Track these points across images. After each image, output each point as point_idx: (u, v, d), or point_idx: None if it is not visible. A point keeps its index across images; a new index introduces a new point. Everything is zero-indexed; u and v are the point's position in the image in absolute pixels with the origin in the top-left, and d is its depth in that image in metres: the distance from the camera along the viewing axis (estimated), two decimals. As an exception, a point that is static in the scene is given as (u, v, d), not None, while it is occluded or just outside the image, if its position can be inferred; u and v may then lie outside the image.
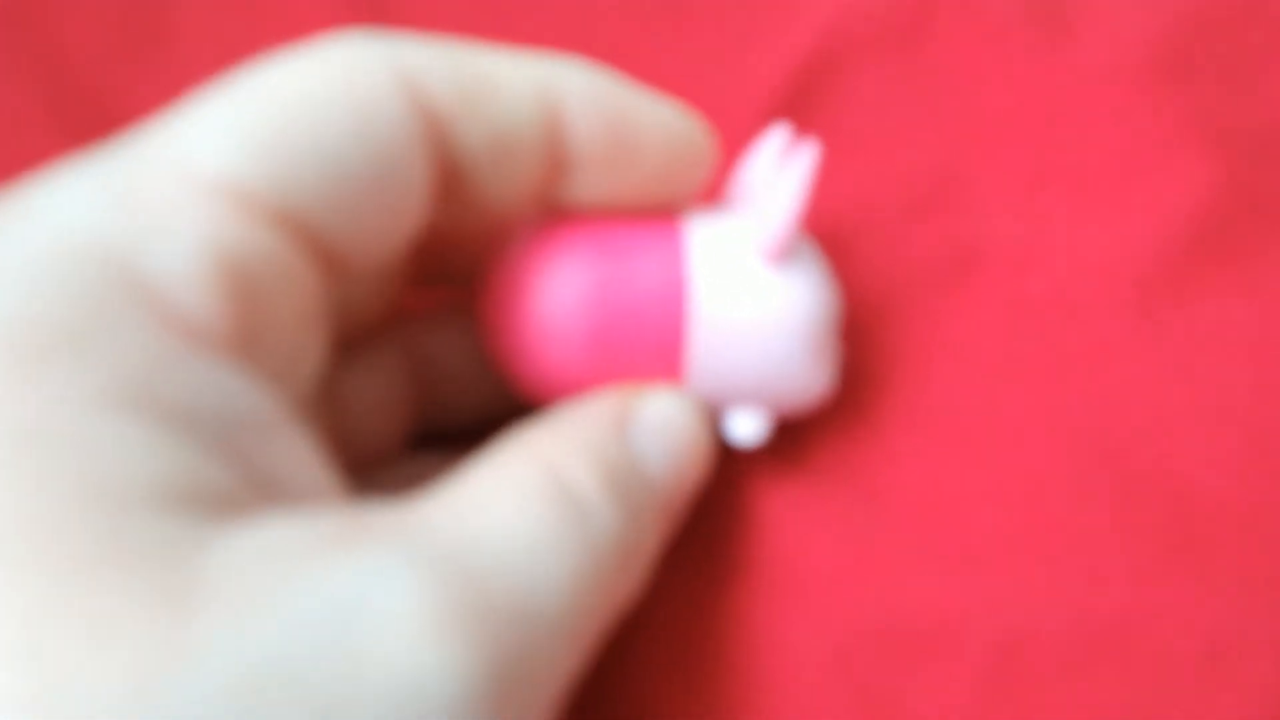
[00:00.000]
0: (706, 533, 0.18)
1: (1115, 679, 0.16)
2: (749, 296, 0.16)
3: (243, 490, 0.12)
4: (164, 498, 0.11)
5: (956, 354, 0.19)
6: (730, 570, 0.17)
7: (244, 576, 0.11)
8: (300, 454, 0.13)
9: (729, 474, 0.18)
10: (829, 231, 0.20)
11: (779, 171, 0.16)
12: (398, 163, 0.14)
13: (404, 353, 0.18)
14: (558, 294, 0.15)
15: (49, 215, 0.12)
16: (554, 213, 0.16)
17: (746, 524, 0.18)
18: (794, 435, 0.18)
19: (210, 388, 0.12)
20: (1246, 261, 0.19)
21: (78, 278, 0.11)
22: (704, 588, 0.17)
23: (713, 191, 0.19)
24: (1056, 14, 0.22)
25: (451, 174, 0.15)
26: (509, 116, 0.14)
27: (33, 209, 0.12)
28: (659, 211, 0.16)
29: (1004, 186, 0.20)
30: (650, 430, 0.16)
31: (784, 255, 0.16)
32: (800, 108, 0.22)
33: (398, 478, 0.16)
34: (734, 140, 0.20)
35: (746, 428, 0.17)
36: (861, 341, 0.19)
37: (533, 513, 0.13)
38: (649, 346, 0.16)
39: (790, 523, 0.18)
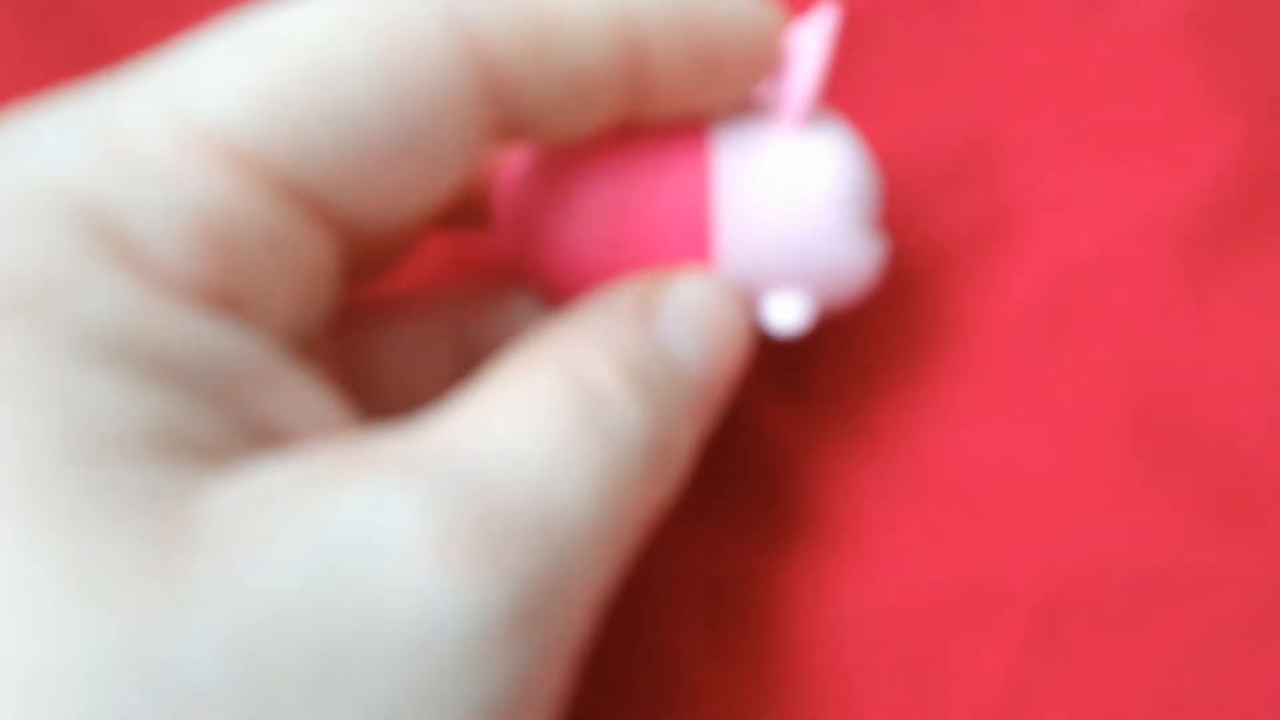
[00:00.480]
0: (750, 494, 0.17)
1: (1162, 639, 0.16)
2: (779, 165, 0.15)
3: (235, 438, 0.11)
4: (149, 445, 0.10)
5: (1000, 315, 0.19)
6: (776, 532, 0.17)
7: (238, 521, 0.10)
8: (302, 400, 0.12)
9: (773, 435, 0.18)
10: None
11: (798, 35, 0.15)
12: (444, 128, 0.12)
13: (450, 325, 0.16)
14: (575, 182, 0.14)
15: (29, 159, 0.11)
16: None
17: (791, 486, 0.17)
18: (840, 398, 0.18)
19: (192, 337, 0.11)
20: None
21: (53, 226, 0.11)
22: (748, 549, 0.17)
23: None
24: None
25: (515, 123, 0.13)
26: (582, 59, 0.13)
27: (12, 149, 0.11)
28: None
29: (1041, 148, 0.20)
30: (679, 316, 0.14)
31: (811, 121, 0.15)
32: (836, 70, 0.21)
33: (393, 361, 0.16)
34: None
35: (788, 313, 0.15)
36: (904, 303, 0.19)
37: (549, 417, 0.12)
38: (675, 229, 0.15)
39: (837, 485, 0.17)
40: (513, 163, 0.15)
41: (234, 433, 0.11)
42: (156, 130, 0.11)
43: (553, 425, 0.12)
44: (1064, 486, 0.17)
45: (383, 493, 0.10)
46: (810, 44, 0.15)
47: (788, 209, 0.15)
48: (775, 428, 0.18)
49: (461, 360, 0.17)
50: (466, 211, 0.17)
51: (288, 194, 0.12)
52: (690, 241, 0.15)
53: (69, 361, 0.10)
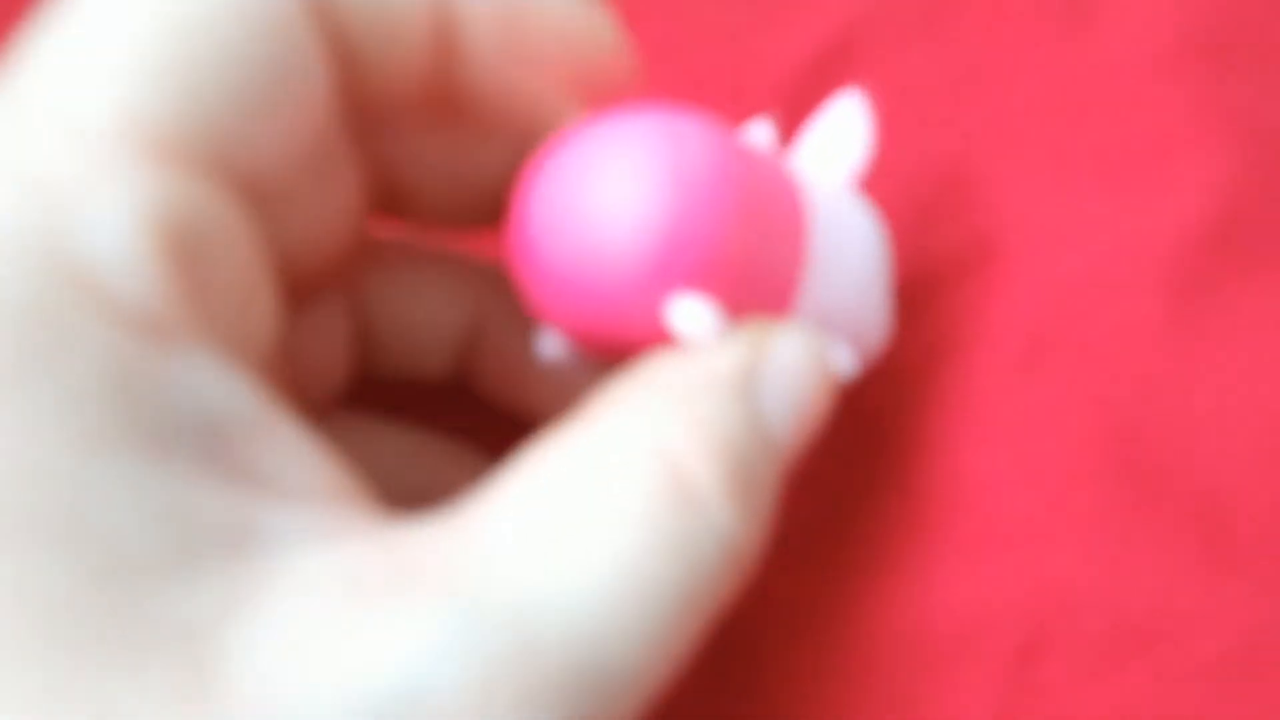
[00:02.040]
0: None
1: (1140, 681, 0.16)
2: (847, 225, 0.15)
3: (247, 515, 0.10)
4: (164, 551, 0.09)
5: (982, 343, 0.18)
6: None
7: (275, 652, 0.09)
8: (293, 450, 0.11)
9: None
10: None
11: (835, 112, 0.16)
12: (298, 59, 0.12)
13: (343, 298, 0.16)
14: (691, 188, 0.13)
15: None
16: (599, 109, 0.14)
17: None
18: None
19: (182, 391, 0.10)
20: (1273, 253, 0.19)
21: (14, 285, 0.10)
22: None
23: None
24: (1081, 1, 0.22)
25: (344, 57, 0.13)
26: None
27: None
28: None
29: (1027, 175, 0.20)
30: (779, 387, 0.13)
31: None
32: (819, 94, 0.21)
33: (341, 439, 0.15)
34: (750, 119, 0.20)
35: (842, 362, 0.15)
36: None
37: (631, 539, 0.11)
38: (775, 268, 0.14)
39: (817, 514, 0.17)
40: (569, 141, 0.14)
41: (238, 502, 0.10)
42: (67, 149, 0.10)
43: (635, 542, 0.11)
44: (1045, 522, 0.17)
45: (426, 632, 0.10)
46: (856, 116, 0.15)
47: (854, 268, 0.15)
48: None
49: (360, 328, 0.16)
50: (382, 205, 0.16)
51: (198, 158, 0.11)
52: (779, 286, 0.14)
53: (72, 453, 0.09)
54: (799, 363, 0.13)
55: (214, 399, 0.10)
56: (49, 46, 0.11)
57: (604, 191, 0.13)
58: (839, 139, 0.16)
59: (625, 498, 0.11)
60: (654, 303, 0.13)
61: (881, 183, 0.20)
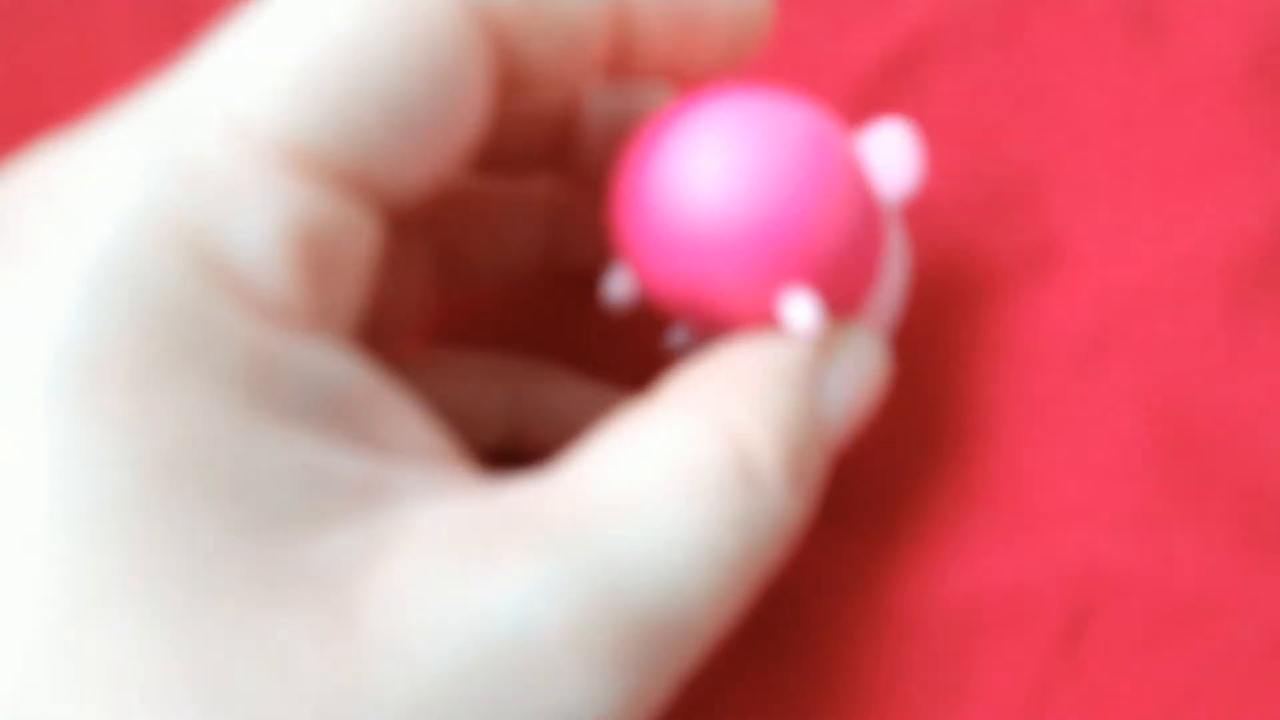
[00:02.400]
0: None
1: (1180, 661, 0.17)
2: (897, 228, 0.16)
3: (371, 473, 0.11)
4: (307, 507, 0.11)
5: (1044, 341, 0.19)
6: (805, 533, 0.18)
7: (404, 597, 0.11)
8: (404, 416, 0.12)
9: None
10: (924, 223, 0.20)
11: (881, 134, 0.16)
12: (463, 88, 0.12)
13: (424, 235, 0.17)
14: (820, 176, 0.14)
15: (111, 191, 0.11)
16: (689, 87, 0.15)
17: (826, 489, 0.18)
18: (883, 410, 0.18)
19: (309, 367, 0.11)
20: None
21: (176, 267, 0.11)
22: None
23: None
24: (1150, 15, 0.22)
25: (510, 79, 0.13)
26: (575, 18, 0.13)
27: (87, 182, 0.11)
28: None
29: (1091, 182, 0.20)
30: (841, 384, 0.14)
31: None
32: (886, 99, 0.22)
33: (452, 396, 0.16)
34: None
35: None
36: (953, 325, 0.19)
37: (702, 502, 0.12)
38: (866, 254, 0.15)
39: (870, 489, 0.18)
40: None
41: (368, 466, 0.11)
42: (226, 144, 0.11)
43: (704, 512, 0.12)
44: (1095, 507, 0.17)
45: (531, 580, 0.11)
46: (902, 138, 0.15)
47: (900, 266, 0.17)
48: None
49: (440, 261, 0.17)
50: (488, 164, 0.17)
51: (346, 178, 0.12)
52: (864, 275, 0.15)
53: (228, 422, 0.10)
54: (860, 365, 0.15)
55: (338, 375, 0.12)
56: (225, 50, 0.12)
57: (723, 178, 0.13)
58: (886, 165, 0.16)
59: (699, 472, 0.12)
60: (761, 289, 0.14)
61: (949, 183, 0.21)
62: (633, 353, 0.17)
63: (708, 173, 0.13)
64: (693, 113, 0.14)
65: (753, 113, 0.14)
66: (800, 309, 0.14)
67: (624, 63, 0.14)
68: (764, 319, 0.14)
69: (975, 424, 0.18)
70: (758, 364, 0.14)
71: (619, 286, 0.15)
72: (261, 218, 0.11)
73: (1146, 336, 0.19)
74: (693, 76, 0.15)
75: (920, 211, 0.20)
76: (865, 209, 0.14)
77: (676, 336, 0.16)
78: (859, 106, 0.22)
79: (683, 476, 0.12)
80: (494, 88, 0.13)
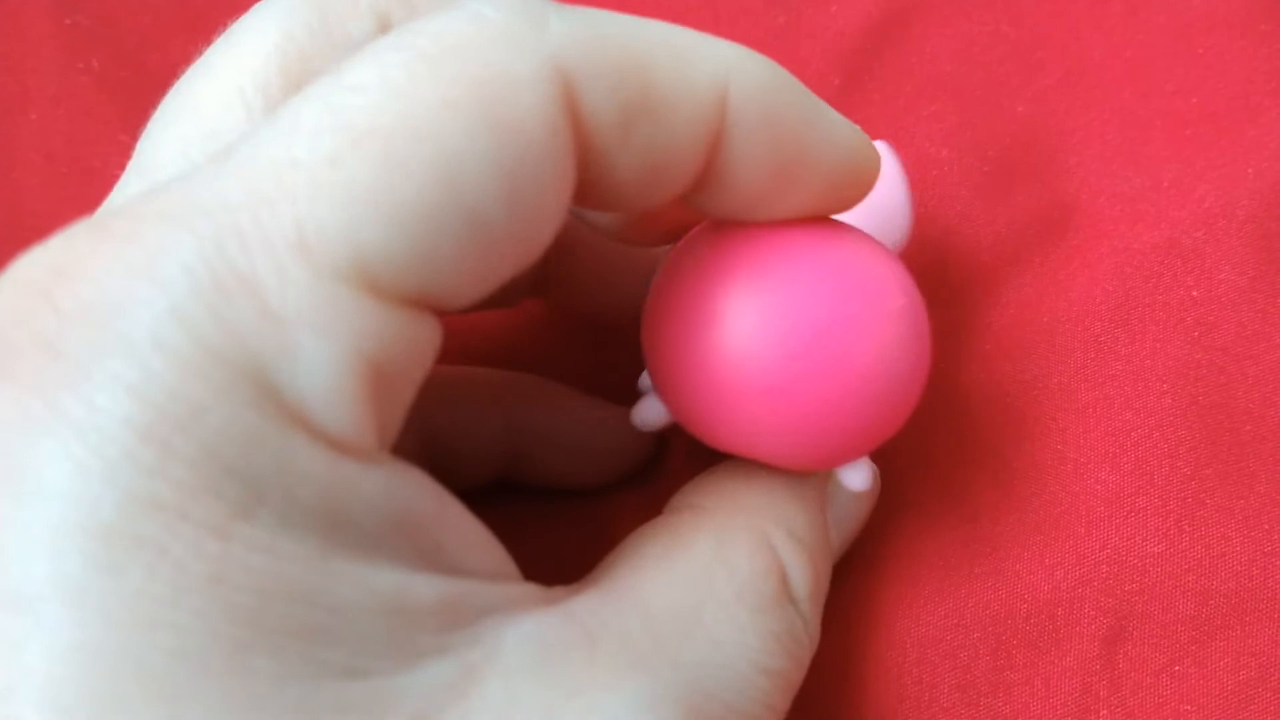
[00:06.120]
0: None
1: (1230, 656, 0.15)
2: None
3: (450, 593, 0.11)
4: (391, 639, 0.10)
5: (1065, 314, 0.18)
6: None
7: None
8: (467, 530, 0.12)
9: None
10: (927, 190, 0.19)
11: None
12: (543, 216, 0.11)
13: (501, 407, 0.17)
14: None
15: (164, 309, 0.10)
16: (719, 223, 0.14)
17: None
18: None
19: (381, 496, 0.11)
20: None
21: (229, 409, 0.10)
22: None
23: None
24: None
25: (593, 199, 0.12)
26: (670, 139, 0.11)
27: (143, 298, 0.10)
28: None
29: (1102, 139, 0.19)
30: (843, 509, 0.15)
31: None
32: (873, 62, 0.21)
33: (448, 426, 0.16)
34: (808, 86, 0.19)
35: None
36: (962, 311, 0.18)
37: (760, 616, 0.13)
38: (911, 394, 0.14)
39: (892, 494, 0.17)
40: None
41: (441, 584, 0.11)
42: (287, 267, 0.10)
43: (762, 625, 0.13)
44: (1133, 496, 0.16)
45: (622, 701, 0.11)
46: (893, 175, 0.15)
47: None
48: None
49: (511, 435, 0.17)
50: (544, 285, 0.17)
51: (415, 302, 0.11)
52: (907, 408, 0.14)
53: (307, 556, 0.10)
54: (862, 494, 0.15)
55: (406, 498, 0.11)
56: (279, 144, 0.10)
57: (735, 321, 0.13)
58: (877, 203, 0.15)
59: (753, 586, 0.13)
60: (777, 428, 0.13)
61: (949, 151, 0.19)
62: (632, 362, 0.16)
63: (756, 332, 0.13)
64: (735, 242, 0.13)
65: (807, 253, 0.13)
66: (857, 477, 0.14)
67: (719, 186, 0.12)
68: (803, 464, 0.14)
69: (999, 416, 0.17)
70: (784, 485, 0.14)
71: (649, 416, 0.15)
72: (328, 345, 0.10)
73: (1173, 302, 0.18)
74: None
75: (920, 184, 0.19)
76: (919, 349, 0.13)
77: (647, 414, 0.15)
78: (846, 71, 0.20)
79: (739, 590, 0.13)
80: (572, 192, 0.12)
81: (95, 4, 0.22)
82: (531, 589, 0.12)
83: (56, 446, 0.09)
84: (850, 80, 0.20)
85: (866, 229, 0.14)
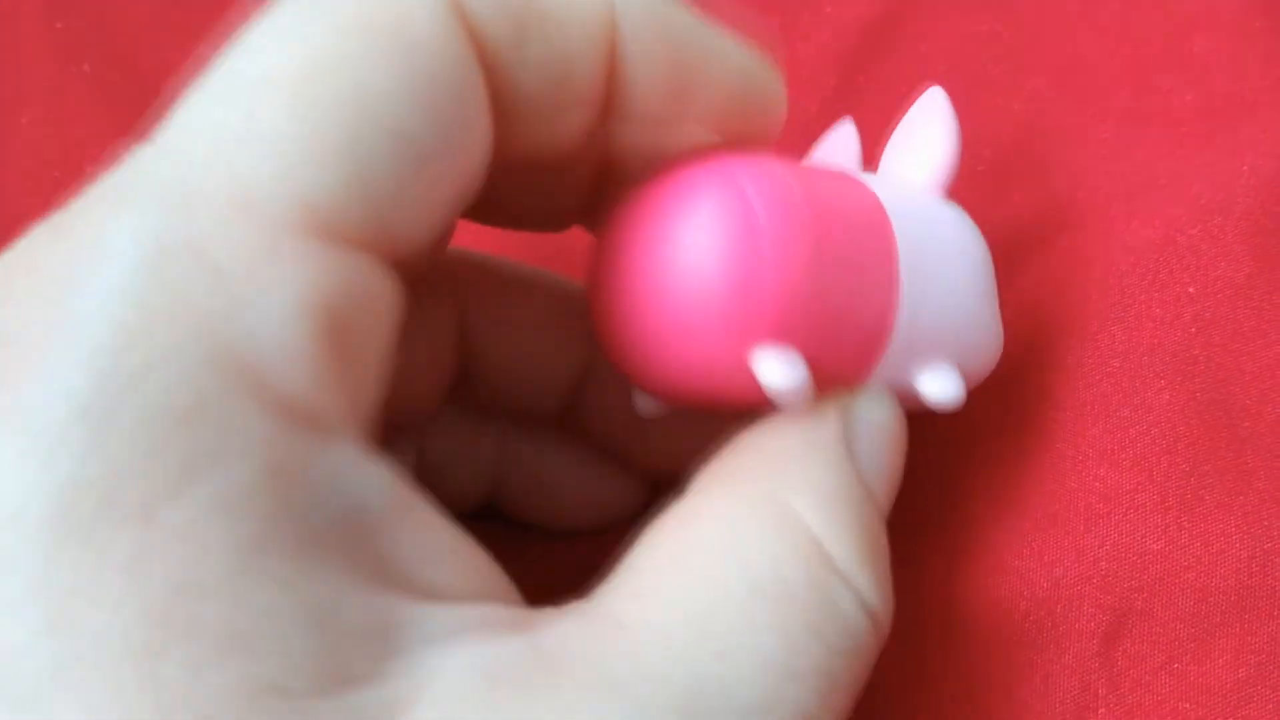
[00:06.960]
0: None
1: (1230, 654, 0.15)
2: (938, 233, 0.14)
3: (386, 609, 0.10)
4: (315, 661, 0.09)
5: (1061, 311, 0.18)
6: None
7: None
8: (425, 533, 0.11)
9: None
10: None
11: (918, 112, 0.15)
12: (465, 114, 0.11)
13: (449, 312, 0.16)
14: (773, 246, 0.12)
15: (106, 283, 0.10)
16: (686, 153, 0.13)
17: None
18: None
19: (330, 484, 0.10)
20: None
21: (175, 371, 0.09)
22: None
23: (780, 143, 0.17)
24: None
25: (501, 109, 0.12)
26: (564, 48, 0.12)
27: (78, 275, 0.10)
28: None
29: (1098, 135, 0.19)
30: (870, 449, 0.13)
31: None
32: (866, 61, 0.21)
33: (437, 447, 0.15)
34: (803, 88, 0.19)
35: (947, 386, 0.14)
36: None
37: (781, 610, 0.11)
38: (863, 304, 0.13)
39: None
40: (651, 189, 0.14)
41: (381, 601, 0.10)
42: (231, 222, 0.10)
43: (784, 621, 0.11)
44: (1131, 493, 0.16)
45: None
46: (940, 116, 0.15)
47: (952, 283, 0.14)
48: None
49: (461, 344, 0.16)
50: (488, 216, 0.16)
51: (364, 244, 0.11)
52: (873, 320, 0.13)
53: (236, 549, 0.09)
54: (882, 425, 0.13)
55: (357, 489, 0.10)
56: (209, 108, 0.11)
57: (671, 256, 0.12)
58: (923, 141, 0.15)
59: (767, 574, 0.11)
60: (736, 358, 0.12)
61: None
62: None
63: (652, 256, 0.13)
64: (637, 197, 0.13)
65: (695, 188, 0.13)
66: (775, 367, 0.12)
67: (621, 105, 0.13)
68: (750, 391, 0.13)
69: (998, 415, 0.17)
70: (792, 442, 0.13)
71: (646, 403, 0.14)
72: (278, 296, 0.10)
73: (1171, 299, 0.18)
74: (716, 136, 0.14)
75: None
76: (841, 248, 0.13)
77: (643, 402, 0.15)
78: (841, 72, 0.20)
79: (754, 583, 0.11)
80: (491, 118, 0.12)
81: (87, 7, 0.22)
82: (502, 611, 0.11)
83: (6, 436, 0.09)
84: (845, 81, 0.21)
85: (914, 167, 0.15)
